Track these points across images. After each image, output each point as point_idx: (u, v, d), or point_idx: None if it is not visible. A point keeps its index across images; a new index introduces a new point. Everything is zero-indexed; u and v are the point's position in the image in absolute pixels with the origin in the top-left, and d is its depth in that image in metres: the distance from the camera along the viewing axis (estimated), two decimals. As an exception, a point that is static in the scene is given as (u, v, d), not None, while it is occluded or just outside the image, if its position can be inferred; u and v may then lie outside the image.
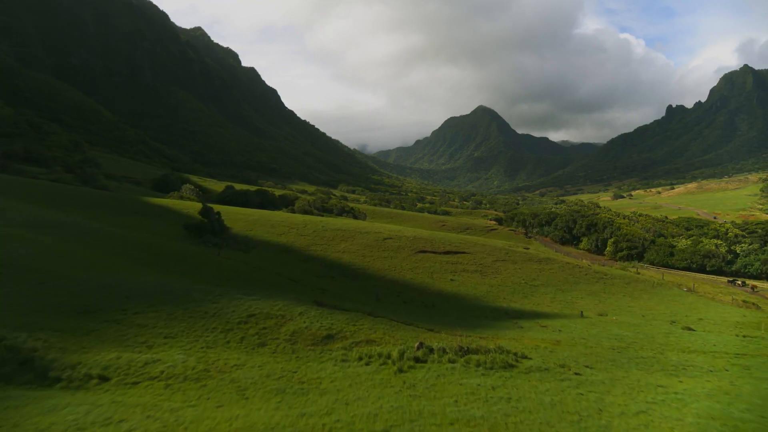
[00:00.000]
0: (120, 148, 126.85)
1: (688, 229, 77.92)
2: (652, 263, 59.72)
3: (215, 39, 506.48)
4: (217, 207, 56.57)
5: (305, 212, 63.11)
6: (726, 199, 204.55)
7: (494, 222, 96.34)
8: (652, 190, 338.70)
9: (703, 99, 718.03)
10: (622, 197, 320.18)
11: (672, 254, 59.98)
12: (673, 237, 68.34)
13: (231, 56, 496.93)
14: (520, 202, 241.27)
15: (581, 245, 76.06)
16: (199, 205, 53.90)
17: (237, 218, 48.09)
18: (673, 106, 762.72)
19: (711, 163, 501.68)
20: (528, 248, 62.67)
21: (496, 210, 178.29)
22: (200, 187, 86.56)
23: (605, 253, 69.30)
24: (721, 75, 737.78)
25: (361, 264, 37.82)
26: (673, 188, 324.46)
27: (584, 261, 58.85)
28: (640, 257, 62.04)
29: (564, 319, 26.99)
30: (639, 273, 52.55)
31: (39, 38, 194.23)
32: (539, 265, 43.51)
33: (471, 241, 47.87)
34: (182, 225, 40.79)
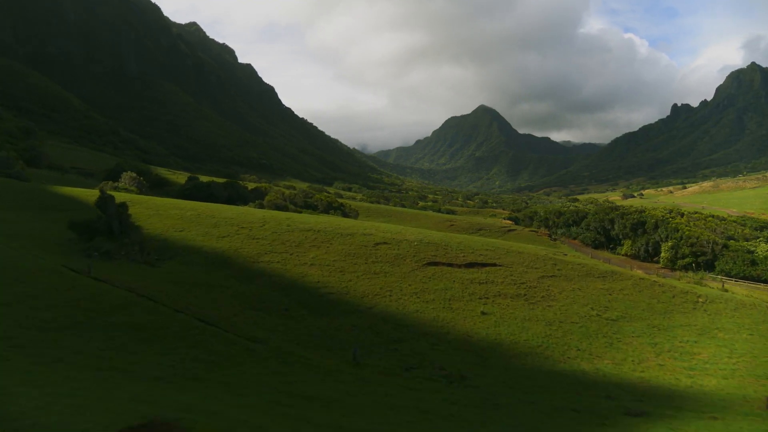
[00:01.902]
0: (85, 138, 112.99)
1: (758, 230, 63.69)
2: (727, 274, 45.61)
3: (217, 39, 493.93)
4: (168, 200, 42.83)
5: (278, 208, 49.15)
6: (750, 198, 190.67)
7: (510, 222, 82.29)
8: (664, 189, 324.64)
9: (707, 98, 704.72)
10: (633, 196, 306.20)
11: (754, 263, 45.98)
12: (747, 240, 54.55)
13: (227, 52, 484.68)
14: (528, 202, 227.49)
15: (622, 250, 61.93)
16: (124, 195, 40.01)
17: (169, 213, 34.19)
18: (678, 105, 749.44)
19: (720, 162, 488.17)
20: (566, 255, 48.92)
21: (503, 209, 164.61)
22: (159, 178, 72.76)
23: (658, 259, 55.17)
24: (725, 74, 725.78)
25: (336, 285, 23.84)
26: (685, 187, 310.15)
27: (637, 271, 45.00)
28: (709, 266, 47.91)
29: (739, 420, 12.89)
30: (726, 290, 38.54)
31: (10, 24, 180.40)
32: (604, 284, 29.50)
33: (500, 247, 33.82)
34: (68, 224, 26.87)
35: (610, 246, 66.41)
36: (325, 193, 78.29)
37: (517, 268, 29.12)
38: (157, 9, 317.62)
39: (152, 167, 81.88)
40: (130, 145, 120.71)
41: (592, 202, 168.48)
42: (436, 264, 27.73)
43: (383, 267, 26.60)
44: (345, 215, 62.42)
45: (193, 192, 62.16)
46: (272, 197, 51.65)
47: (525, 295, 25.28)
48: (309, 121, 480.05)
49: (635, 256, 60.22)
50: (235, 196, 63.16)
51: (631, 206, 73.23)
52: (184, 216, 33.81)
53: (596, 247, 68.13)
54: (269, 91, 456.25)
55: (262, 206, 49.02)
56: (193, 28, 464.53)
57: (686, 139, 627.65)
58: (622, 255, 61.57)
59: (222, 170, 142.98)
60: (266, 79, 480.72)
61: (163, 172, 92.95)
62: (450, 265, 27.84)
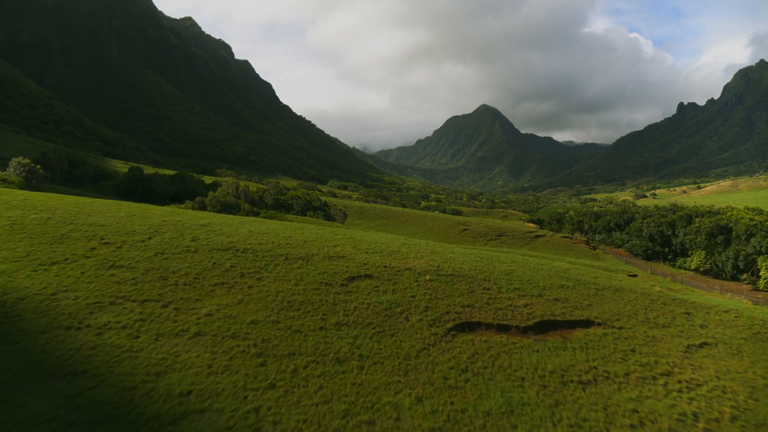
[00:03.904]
0: (40, 128, 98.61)
1: None
2: None
3: (219, 38, 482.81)
4: (25, 195, 28.47)
5: (227, 208, 34.54)
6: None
7: (534, 225, 67.65)
8: (677, 189, 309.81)
9: (713, 97, 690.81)
10: (645, 197, 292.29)
11: None
12: None
13: (223, 48, 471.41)
14: (538, 202, 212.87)
15: (690, 263, 47.28)
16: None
17: (-3, 218, 19.68)
18: (685, 103, 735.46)
19: (730, 161, 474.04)
20: (636, 275, 34.56)
21: (513, 210, 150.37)
22: (99, 171, 58.12)
23: (748, 278, 40.62)
24: (731, 73, 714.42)
25: (231, 406, 9.15)
26: (700, 187, 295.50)
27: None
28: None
29: None
30: None
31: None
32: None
33: (578, 278, 19.21)
34: None
35: (669, 257, 51.82)
36: (302, 189, 63.58)
37: (633, 329, 14.47)
38: (147, 0, 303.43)
39: (93, 156, 67.22)
40: (93, 136, 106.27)
41: (611, 202, 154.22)
42: (473, 327, 13.08)
43: (361, 341, 11.97)
44: (328, 217, 47.89)
45: (129, 187, 47.93)
46: (220, 193, 37.12)
47: (696, 415, 10.63)
48: (311, 120, 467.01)
49: (709, 272, 45.61)
50: (183, 191, 48.73)
51: (694, 206, 58.93)
52: (19, 222, 19.21)
53: (648, 258, 53.61)
54: (266, 88, 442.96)
55: (203, 206, 34.41)
56: (188, 23, 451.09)
57: (694, 138, 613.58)
58: (691, 270, 46.95)
59: (202, 165, 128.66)
60: (270, 79, 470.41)
61: (119, 164, 78.47)
62: (504, 329, 13.17)
